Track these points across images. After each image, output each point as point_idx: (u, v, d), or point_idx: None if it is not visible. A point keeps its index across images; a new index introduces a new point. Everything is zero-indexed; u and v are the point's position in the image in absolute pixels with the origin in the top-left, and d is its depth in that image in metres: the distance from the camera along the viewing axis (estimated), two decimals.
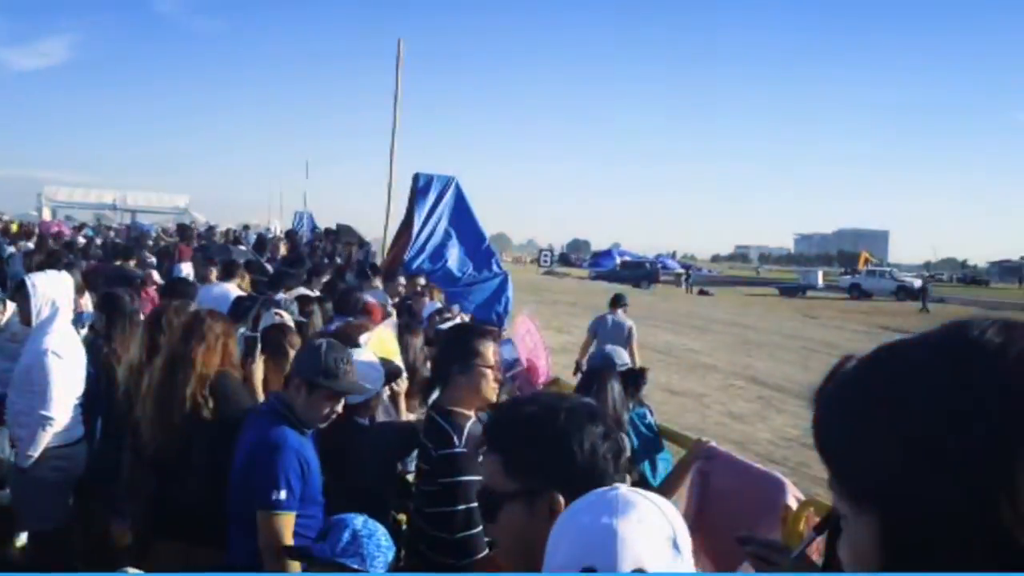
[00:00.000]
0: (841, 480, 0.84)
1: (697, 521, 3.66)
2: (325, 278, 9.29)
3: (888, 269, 63.15)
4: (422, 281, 9.79)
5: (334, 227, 20.69)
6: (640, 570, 1.13)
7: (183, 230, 19.72)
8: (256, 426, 3.14)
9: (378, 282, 8.34)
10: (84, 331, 5.28)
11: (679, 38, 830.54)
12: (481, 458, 1.70)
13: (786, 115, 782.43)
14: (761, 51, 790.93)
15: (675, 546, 1.19)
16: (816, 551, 2.08)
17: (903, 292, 46.11)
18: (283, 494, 2.93)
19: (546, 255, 79.17)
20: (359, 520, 2.64)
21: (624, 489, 1.26)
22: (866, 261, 70.06)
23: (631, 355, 9.41)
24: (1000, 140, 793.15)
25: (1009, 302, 45.54)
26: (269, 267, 11.96)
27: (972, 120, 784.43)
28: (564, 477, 1.53)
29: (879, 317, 33.52)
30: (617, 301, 10.94)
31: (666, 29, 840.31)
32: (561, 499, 1.49)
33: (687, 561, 1.20)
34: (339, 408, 3.26)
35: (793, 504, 3.33)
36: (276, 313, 4.73)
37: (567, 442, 1.56)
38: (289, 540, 2.93)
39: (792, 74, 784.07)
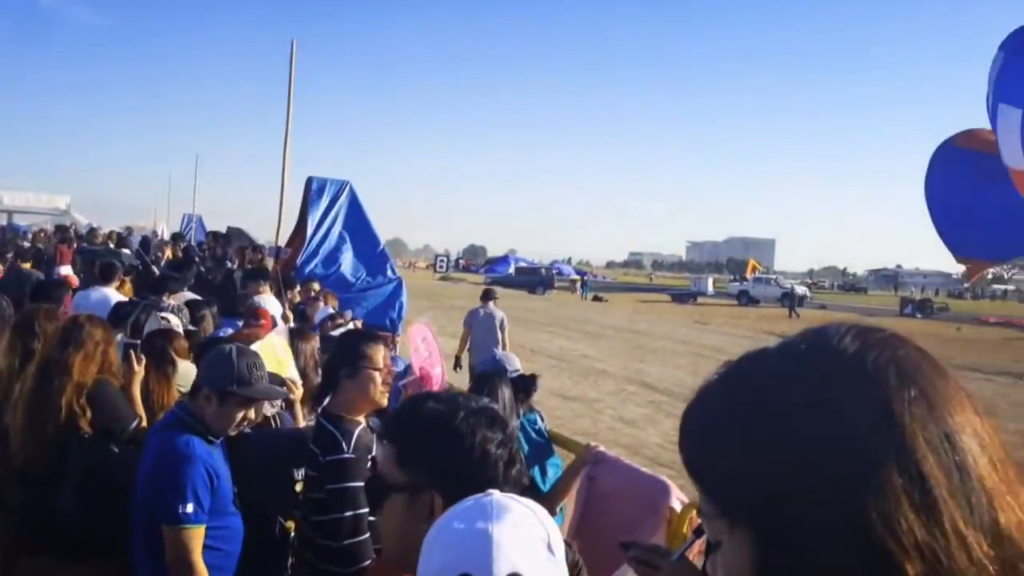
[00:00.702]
0: (711, 498, 0.80)
1: (582, 524, 3.72)
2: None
3: (774, 276, 65.86)
4: (316, 286, 9.59)
5: (224, 230, 20.13)
6: (516, 574, 1.13)
7: (62, 231, 18.89)
8: (160, 437, 3.01)
9: (266, 288, 8.00)
10: None
11: (576, 42, 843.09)
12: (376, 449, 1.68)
13: (679, 125, 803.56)
14: (654, 58, 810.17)
15: (549, 549, 1.20)
16: (698, 552, 2.14)
17: (788, 298, 47.94)
18: (190, 507, 2.80)
19: (442, 261, 79.18)
20: None
21: (498, 495, 1.26)
22: (754, 269, 72.18)
23: (502, 343, 10.76)
24: (882, 155, 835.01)
25: (884, 308, 48.14)
26: (155, 270, 11.56)
27: (856, 135, 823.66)
28: (450, 477, 1.51)
29: (765, 323, 34.69)
30: (487, 295, 12.04)
31: (562, 33, 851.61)
32: (441, 502, 1.48)
33: (561, 564, 1.21)
34: (252, 415, 3.17)
35: (677, 507, 3.41)
36: (162, 318, 4.59)
37: (459, 442, 1.55)
38: (198, 554, 2.81)
39: (684, 84, 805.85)
